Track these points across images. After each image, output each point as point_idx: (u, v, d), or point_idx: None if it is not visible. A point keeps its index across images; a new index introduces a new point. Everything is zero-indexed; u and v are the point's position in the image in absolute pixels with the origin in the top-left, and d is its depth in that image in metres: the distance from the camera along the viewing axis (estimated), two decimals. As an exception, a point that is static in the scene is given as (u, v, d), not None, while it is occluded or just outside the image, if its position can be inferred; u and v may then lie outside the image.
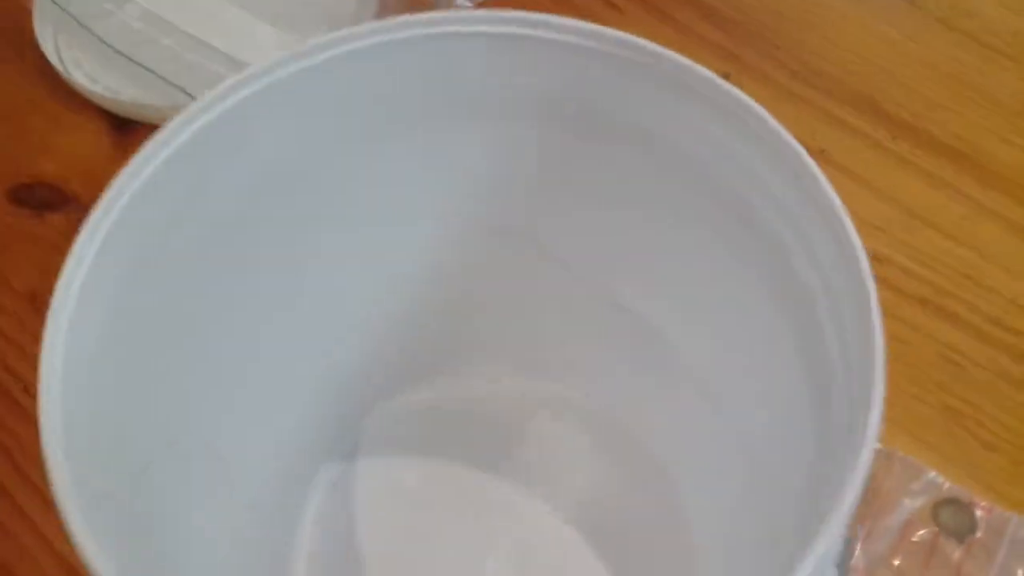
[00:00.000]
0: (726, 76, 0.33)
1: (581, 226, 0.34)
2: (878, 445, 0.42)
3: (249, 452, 0.36)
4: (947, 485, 0.42)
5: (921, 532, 0.41)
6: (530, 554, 0.38)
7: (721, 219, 0.30)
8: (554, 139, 0.32)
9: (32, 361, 0.44)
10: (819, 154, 0.51)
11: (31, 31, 0.54)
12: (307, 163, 0.32)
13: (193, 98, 0.50)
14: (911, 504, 0.42)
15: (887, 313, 0.48)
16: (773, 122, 0.26)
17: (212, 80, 0.52)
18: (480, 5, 0.55)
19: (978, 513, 0.41)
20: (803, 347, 0.27)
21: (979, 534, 0.41)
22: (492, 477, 0.39)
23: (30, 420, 0.43)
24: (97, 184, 0.51)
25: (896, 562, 0.40)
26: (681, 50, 0.30)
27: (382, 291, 0.38)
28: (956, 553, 0.40)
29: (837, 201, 0.24)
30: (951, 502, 0.42)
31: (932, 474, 0.42)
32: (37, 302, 0.46)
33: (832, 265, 0.25)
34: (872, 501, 0.42)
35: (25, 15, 0.55)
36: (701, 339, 0.34)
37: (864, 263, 0.23)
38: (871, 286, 0.23)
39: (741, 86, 0.32)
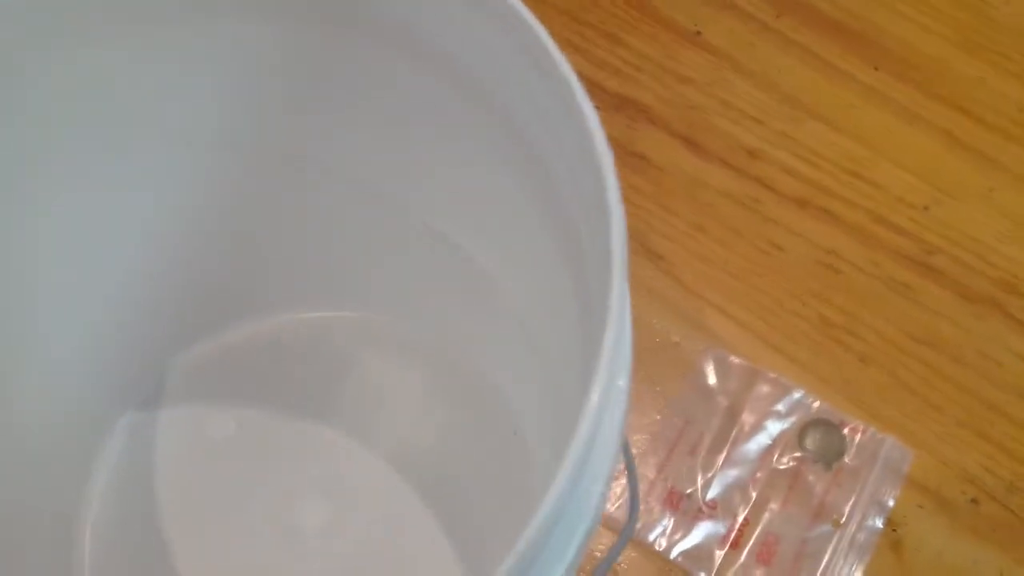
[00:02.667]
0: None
1: (358, 142, 0.30)
2: (701, 346, 0.38)
3: (27, 403, 0.32)
4: (816, 404, 0.38)
5: (785, 459, 0.37)
6: (347, 497, 0.35)
7: (480, 123, 0.25)
8: (300, 40, 0.26)
9: None
10: (695, 36, 0.46)
11: None
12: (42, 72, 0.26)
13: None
14: (776, 427, 0.38)
15: (761, 216, 0.44)
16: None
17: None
18: None
19: (848, 434, 0.38)
20: (560, 244, 0.23)
21: (848, 459, 0.37)
22: (310, 422, 0.35)
23: None
24: None
25: (753, 493, 0.37)
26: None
27: (158, 227, 0.33)
28: (821, 482, 0.37)
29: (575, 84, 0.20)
30: (820, 423, 0.38)
31: (799, 394, 0.38)
32: None
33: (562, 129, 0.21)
34: (731, 424, 0.38)
35: None
36: (493, 251, 0.30)
37: (598, 136, 0.19)
38: (605, 159, 0.19)
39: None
